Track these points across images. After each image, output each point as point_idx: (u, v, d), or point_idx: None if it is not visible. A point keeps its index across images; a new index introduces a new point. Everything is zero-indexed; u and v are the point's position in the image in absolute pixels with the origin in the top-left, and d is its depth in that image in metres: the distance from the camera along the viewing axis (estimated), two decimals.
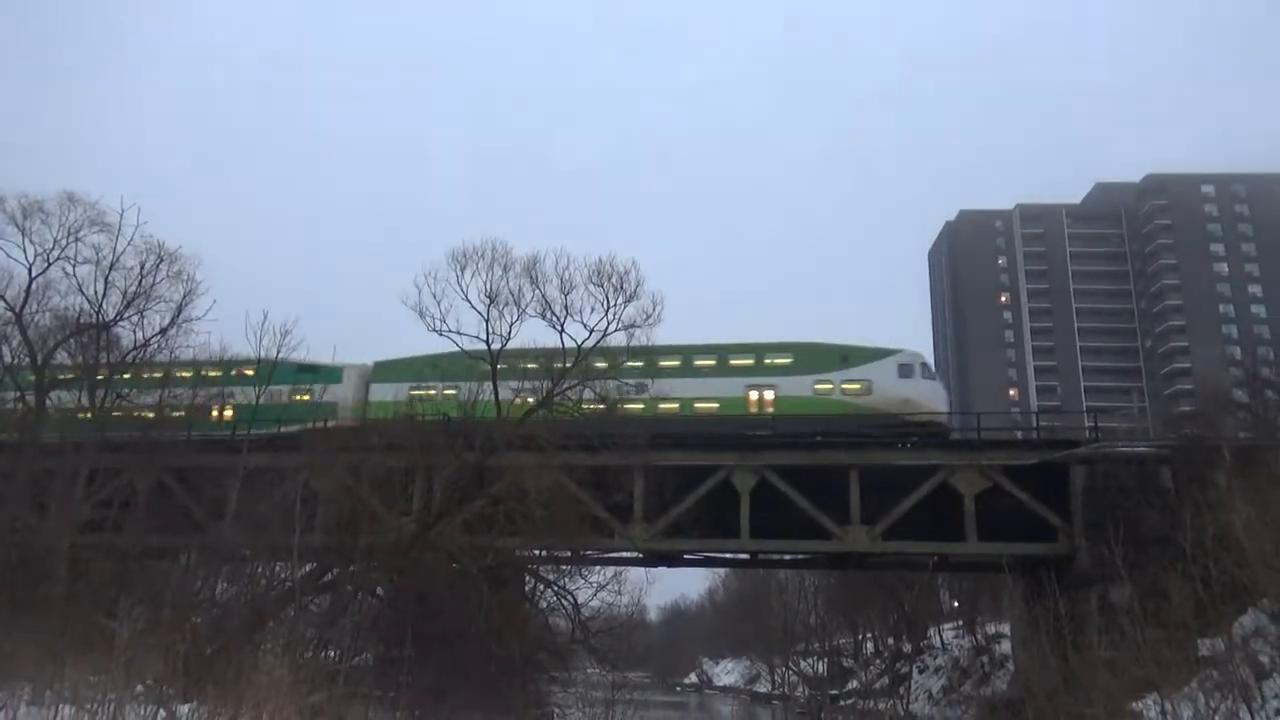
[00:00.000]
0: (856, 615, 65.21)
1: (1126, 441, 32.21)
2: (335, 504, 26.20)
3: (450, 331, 30.48)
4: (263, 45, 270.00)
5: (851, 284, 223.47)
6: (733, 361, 38.66)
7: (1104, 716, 17.41)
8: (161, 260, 29.21)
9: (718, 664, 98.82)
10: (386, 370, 40.63)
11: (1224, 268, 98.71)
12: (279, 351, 29.83)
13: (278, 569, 25.66)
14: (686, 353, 38.48)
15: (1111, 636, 18.93)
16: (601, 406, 31.16)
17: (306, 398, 37.51)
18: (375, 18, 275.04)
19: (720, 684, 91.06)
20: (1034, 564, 33.49)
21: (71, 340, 30.54)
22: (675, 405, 36.87)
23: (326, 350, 35.50)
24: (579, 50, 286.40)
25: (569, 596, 30.37)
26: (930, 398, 37.24)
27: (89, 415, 30.01)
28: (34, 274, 29.59)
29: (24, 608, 20.93)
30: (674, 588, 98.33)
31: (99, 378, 29.50)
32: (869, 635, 68.08)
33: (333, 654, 23.29)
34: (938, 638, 56.97)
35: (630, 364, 33.44)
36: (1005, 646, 46.32)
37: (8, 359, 30.73)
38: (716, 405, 37.39)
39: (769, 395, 37.35)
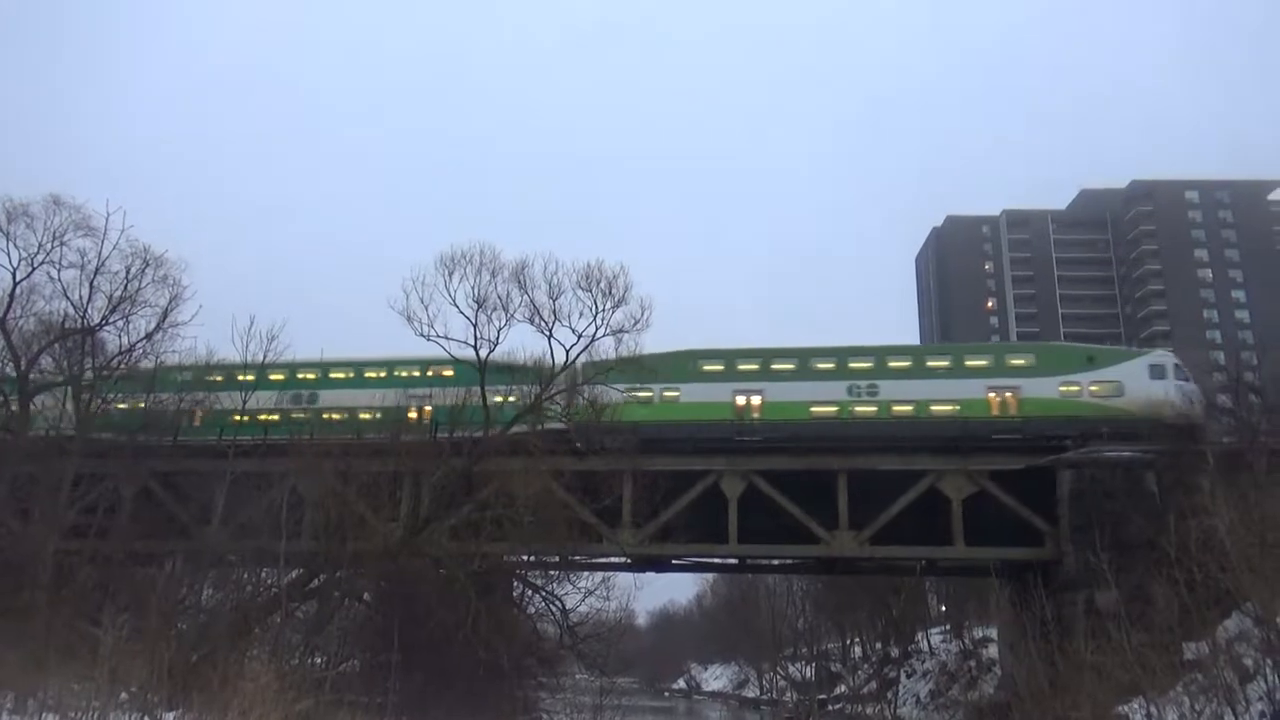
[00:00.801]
0: (844, 620, 65.42)
1: (1113, 447, 32.31)
2: (322, 509, 26.06)
3: (438, 337, 30.31)
4: (252, 47, 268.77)
5: (838, 289, 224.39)
6: (969, 362, 38.18)
7: None
8: (147, 264, 29.02)
9: (706, 669, 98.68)
10: None
11: (1208, 273, 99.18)
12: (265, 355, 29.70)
13: (264, 575, 25.53)
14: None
15: (1098, 640, 18.99)
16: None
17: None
18: (370, 17, 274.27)
19: (709, 689, 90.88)
20: (1021, 568, 33.69)
21: (56, 345, 30.23)
22: (909, 408, 36.23)
23: (315, 354, 35.45)
24: (579, 50, 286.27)
25: (557, 602, 30.35)
26: (1185, 400, 35.29)
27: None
28: (18, 278, 29.41)
29: (7, 614, 20.76)
30: (662, 593, 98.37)
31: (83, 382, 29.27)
32: (857, 640, 68.25)
33: (319, 660, 23.24)
34: (925, 642, 57.11)
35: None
36: (992, 651, 46.54)
37: None
38: (956, 407, 36.04)
39: (1009, 396, 36.25)
